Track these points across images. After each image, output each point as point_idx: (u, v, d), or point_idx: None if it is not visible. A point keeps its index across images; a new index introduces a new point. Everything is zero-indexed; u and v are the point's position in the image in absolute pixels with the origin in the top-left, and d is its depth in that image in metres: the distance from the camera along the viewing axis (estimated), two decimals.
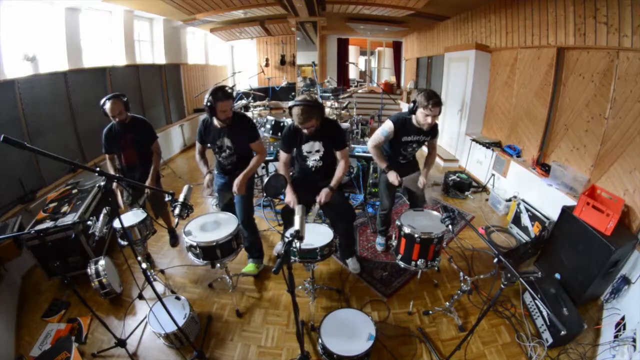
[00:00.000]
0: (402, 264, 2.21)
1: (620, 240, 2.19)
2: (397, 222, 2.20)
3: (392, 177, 2.41)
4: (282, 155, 2.44)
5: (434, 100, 2.18)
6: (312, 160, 2.40)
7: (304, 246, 2.00)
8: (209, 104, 2.16)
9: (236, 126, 2.36)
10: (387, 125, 2.45)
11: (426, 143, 2.60)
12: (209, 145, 2.49)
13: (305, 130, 2.22)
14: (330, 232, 2.18)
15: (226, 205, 2.66)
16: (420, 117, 2.29)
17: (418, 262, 2.11)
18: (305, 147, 2.36)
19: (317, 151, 2.36)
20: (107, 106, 2.46)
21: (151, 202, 2.77)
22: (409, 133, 2.44)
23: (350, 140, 4.35)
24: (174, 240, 3.23)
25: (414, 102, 2.30)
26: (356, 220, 3.58)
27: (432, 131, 2.47)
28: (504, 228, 3.52)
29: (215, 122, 2.33)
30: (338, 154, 2.37)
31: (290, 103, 2.14)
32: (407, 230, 2.09)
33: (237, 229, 2.20)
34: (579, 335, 2.11)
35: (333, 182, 2.32)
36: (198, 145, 2.52)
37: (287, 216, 2.54)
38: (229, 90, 2.22)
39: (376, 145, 2.50)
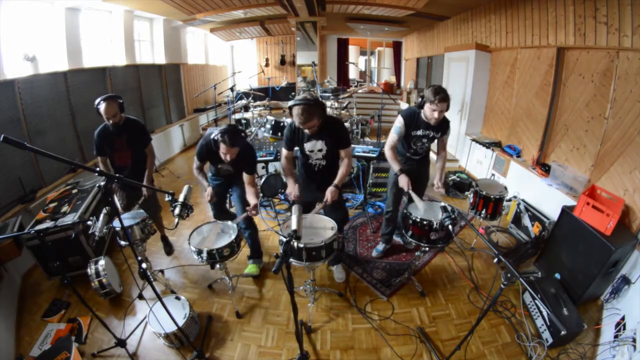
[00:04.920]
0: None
1: (620, 240, 2.19)
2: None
3: (403, 182, 2.37)
4: (284, 151, 2.41)
5: (441, 96, 2.24)
6: (316, 160, 2.37)
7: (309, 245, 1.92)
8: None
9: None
10: (398, 122, 2.48)
11: (436, 140, 2.56)
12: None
13: (306, 130, 2.19)
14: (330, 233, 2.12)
15: (220, 212, 2.72)
16: (428, 112, 2.34)
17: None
18: (308, 146, 2.32)
19: (320, 150, 2.32)
20: (102, 107, 2.39)
21: (144, 208, 2.54)
22: (418, 127, 2.45)
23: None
24: (169, 249, 3.10)
25: (422, 96, 2.35)
26: (354, 221, 3.58)
27: (443, 127, 2.48)
28: (504, 228, 3.52)
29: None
30: (342, 152, 2.35)
31: (290, 103, 2.10)
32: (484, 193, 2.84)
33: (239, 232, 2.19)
34: (579, 335, 2.12)
35: (337, 180, 2.29)
36: (197, 162, 2.50)
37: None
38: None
39: (392, 147, 2.50)
